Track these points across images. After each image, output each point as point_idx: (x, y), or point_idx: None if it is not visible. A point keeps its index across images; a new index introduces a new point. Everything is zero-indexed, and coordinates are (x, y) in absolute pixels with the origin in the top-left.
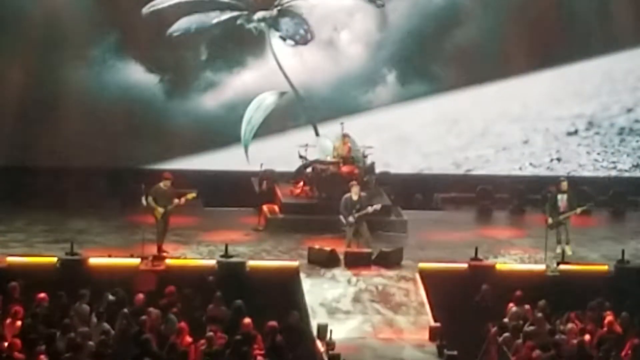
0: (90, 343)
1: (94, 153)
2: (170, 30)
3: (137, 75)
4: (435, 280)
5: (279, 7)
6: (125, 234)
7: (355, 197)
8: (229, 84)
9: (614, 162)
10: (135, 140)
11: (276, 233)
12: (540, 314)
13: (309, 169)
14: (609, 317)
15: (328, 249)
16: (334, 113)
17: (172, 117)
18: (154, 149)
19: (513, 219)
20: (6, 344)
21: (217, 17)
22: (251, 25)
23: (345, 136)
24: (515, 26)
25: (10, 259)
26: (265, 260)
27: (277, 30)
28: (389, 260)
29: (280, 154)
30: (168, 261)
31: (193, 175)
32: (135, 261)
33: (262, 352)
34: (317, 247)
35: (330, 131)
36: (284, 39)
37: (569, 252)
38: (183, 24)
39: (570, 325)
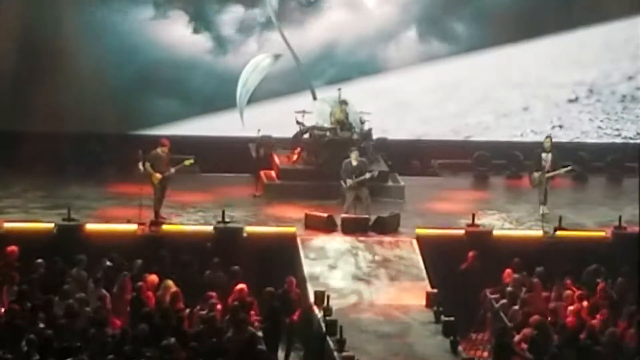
0: (88, 309)
1: (90, 118)
2: None
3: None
4: (432, 247)
5: None
6: (123, 200)
7: (354, 163)
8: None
9: (617, 130)
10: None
11: (273, 199)
12: (536, 280)
13: (306, 135)
14: (601, 284)
15: (325, 214)
16: (334, 77)
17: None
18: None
19: (508, 185)
20: (3, 309)
21: None
22: None
23: (342, 102)
24: None
25: (7, 224)
26: (263, 226)
27: None
28: (387, 227)
29: (277, 119)
30: (165, 227)
31: (190, 141)
32: (133, 227)
33: (258, 318)
34: (314, 213)
35: (328, 96)
36: None
37: (545, 210)
38: None
39: (566, 291)
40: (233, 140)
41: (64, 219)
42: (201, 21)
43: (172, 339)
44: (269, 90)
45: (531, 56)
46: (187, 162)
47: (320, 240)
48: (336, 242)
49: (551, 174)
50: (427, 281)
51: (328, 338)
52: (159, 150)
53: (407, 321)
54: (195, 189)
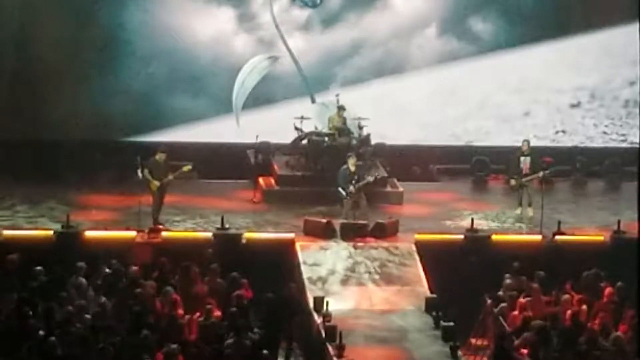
0: (87, 316)
1: (89, 125)
2: None
3: None
4: (431, 252)
5: None
6: (122, 207)
7: (352, 169)
8: None
9: (623, 135)
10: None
11: (272, 205)
12: (536, 285)
13: (304, 141)
14: (608, 289)
15: (324, 220)
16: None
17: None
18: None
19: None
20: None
21: None
22: None
23: (340, 108)
24: None
25: (6, 232)
26: (262, 232)
27: None
28: (385, 232)
29: (275, 126)
30: (164, 234)
31: (188, 148)
32: (131, 234)
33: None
34: (313, 218)
35: (327, 100)
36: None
37: (530, 213)
38: None
39: (565, 296)
40: (232, 146)
41: (63, 226)
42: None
43: (173, 346)
44: (267, 96)
45: (529, 61)
46: (185, 168)
47: (319, 246)
48: (335, 248)
49: (529, 177)
50: (426, 286)
51: (327, 344)
52: (157, 156)
53: (407, 327)
54: (194, 195)
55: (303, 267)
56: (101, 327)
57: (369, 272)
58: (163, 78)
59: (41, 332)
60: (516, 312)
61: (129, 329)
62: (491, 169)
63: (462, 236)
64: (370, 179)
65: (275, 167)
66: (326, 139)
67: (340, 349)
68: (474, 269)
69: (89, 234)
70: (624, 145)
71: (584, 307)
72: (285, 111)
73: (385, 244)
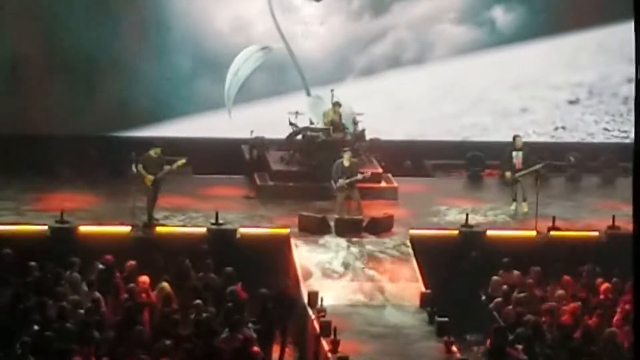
0: (81, 311)
1: (83, 120)
2: None
3: None
4: (426, 247)
5: None
6: (116, 202)
7: (346, 163)
8: None
9: (625, 131)
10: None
11: (267, 200)
12: (530, 280)
13: (299, 137)
14: (605, 285)
15: (319, 216)
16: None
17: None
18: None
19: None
20: None
21: None
22: None
23: (335, 104)
24: None
25: (0, 227)
26: (256, 227)
27: None
28: (380, 228)
29: (269, 121)
30: (158, 229)
31: (182, 143)
32: (126, 229)
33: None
34: (307, 214)
35: (322, 93)
36: None
37: (525, 209)
38: None
39: (560, 291)
40: (226, 141)
41: (57, 222)
42: None
43: (167, 341)
44: (262, 91)
45: (526, 58)
46: (179, 163)
47: (314, 241)
48: (330, 244)
49: (522, 172)
50: (421, 282)
51: (322, 339)
52: (151, 152)
53: (401, 322)
54: (189, 190)
55: (297, 263)
56: (95, 323)
57: (364, 268)
58: None
59: (35, 327)
60: (510, 307)
61: (123, 324)
62: (486, 165)
63: (456, 231)
64: (360, 177)
65: (270, 162)
66: (321, 134)
67: (335, 344)
68: (468, 265)
69: (84, 229)
70: (626, 141)
71: (579, 302)
72: (280, 106)
73: (380, 239)
